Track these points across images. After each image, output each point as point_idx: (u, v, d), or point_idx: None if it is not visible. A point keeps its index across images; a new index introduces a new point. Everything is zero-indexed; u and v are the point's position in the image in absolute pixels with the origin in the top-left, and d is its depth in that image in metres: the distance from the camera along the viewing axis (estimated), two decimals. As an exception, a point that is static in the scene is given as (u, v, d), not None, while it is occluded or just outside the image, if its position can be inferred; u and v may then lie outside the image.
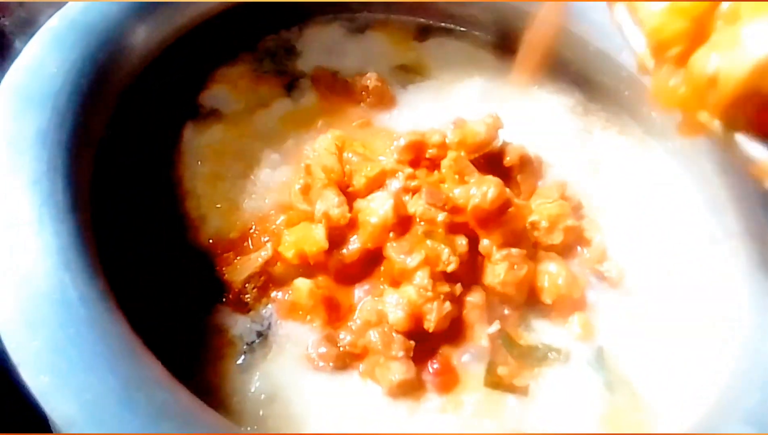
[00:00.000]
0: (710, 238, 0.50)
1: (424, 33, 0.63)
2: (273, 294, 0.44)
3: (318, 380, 0.41)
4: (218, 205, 0.48)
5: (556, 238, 0.49)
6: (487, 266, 0.45)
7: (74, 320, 0.33)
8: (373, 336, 0.42)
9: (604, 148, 0.57)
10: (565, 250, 0.50)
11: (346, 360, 0.42)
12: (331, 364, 0.42)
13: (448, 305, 0.42)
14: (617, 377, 0.44)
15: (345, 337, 0.43)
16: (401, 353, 0.41)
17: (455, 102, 0.58)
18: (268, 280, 0.45)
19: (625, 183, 0.55)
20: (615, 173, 0.55)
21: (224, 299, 0.44)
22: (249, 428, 0.38)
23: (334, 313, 0.43)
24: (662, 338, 0.45)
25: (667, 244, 0.50)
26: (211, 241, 0.46)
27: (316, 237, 0.44)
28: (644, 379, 0.43)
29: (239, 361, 0.42)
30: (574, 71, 0.60)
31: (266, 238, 0.46)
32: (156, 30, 0.50)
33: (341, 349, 0.42)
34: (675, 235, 0.51)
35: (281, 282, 0.45)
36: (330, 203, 0.45)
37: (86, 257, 0.36)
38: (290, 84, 0.57)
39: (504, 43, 0.62)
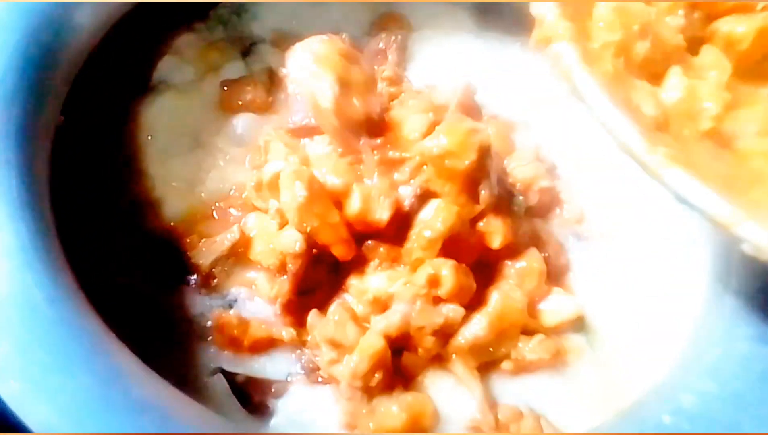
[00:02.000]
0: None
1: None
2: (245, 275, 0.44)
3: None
4: (174, 184, 0.47)
5: (531, 200, 0.49)
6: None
7: (41, 321, 0.32)
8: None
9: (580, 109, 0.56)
10: (542, 212, 0.50)
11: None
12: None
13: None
14: (598, 336, 0.44)
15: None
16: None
17: (430, 63, 0.57)
18: (237, 261, 0.44)
19: (600, 142, 0.54)
20: (590, 133, 0.54)
21: (192, 283, 0.44)
22: (228, 413, 0.38)
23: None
24: (635, 295, 0.46)
25: (639, 202, 0.50)
26: (172, 223, 0.45)
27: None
28: (620, 336, 0.44)
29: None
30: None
31: (233, 217, 0.45)
32: (104, 4, 0.47)
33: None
34: (645, 194, 0.50)
35: (252, 263, 0.44)
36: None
37: (49, 254, 0.35)
38: (246, 50, 0.55)
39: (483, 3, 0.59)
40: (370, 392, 0.39)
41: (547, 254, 0.47)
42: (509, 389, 0.42)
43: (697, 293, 0.42)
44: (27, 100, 0.40)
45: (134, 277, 0.43)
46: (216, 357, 0.42)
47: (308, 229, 0.40)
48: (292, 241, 0.40)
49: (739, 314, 0.37)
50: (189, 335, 0.42)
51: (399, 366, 0.40)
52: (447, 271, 0.40)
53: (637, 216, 0.50)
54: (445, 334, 0.41)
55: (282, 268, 0.41)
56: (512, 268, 0.44)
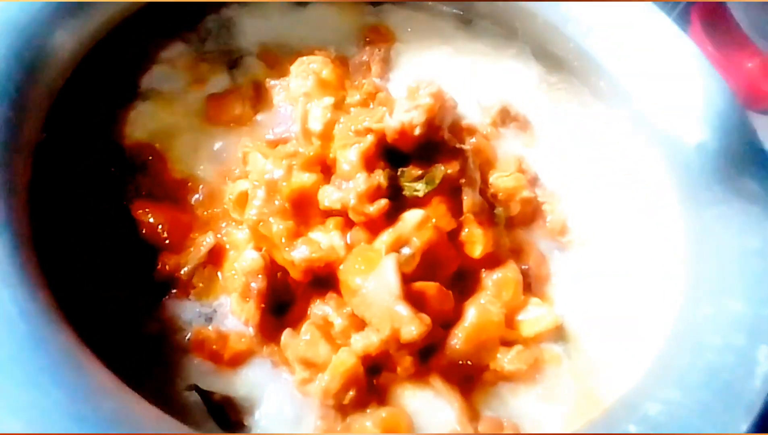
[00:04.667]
0: (657, 205, 0.50)
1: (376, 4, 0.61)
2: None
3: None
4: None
5: (513, 210, 0.49)
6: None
7: (15, 337, 0.33)
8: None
9: (565, 122, 0.57)
10: (524, 222, 0.50)
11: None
12: None
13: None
14: (575, 345, 0.45)
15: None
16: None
17: (413, 74, 0.57)
18: (214, 269, 0.44)
19: (583, 155, 0.55)
20: (574, 146, 0.55)
21: (173, 294, 0.44)
22: (207, 429, 0.38)
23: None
24: (612, 306, 0.46)
25: (620, 215, 0.51)
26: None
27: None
28: (596, 345, 0.44)
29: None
30: (527, 43, 0.59)
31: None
32: (86, 25, 0.48)
33: None
34: (627, 207, 0.52)
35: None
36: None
37: (26, 270, 0.36)
38: (233, 62, 0.55)
39: (465, 14, 0.60)
40: (343, 410, 0.39)
41: (527, 266, 0.47)
42: (487, 400, 0.42)
43: (670, 305, 0.42)
44: (8, 118, 0.40)
45: (115, 290, 0.43)
46: (196, 370, 0.41)
47: (263, 249, 0.41)
48: (250, 259, 0.41)
49: (707, 325, 0.37)
50: (169, 348, 0.42)
51: (374, 383, 0.40)
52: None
53: (617, 228, 0.50)
54: (424, 352, 0.41)
55: (247, 291, 0.41)
56: (489, 279, 0.44)
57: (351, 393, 0.38)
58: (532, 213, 0.51)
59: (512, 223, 0.49)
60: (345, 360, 0.38)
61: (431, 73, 0.56)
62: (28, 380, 0.31)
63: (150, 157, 0.48)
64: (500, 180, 0.50)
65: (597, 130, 0.56)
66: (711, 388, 0.34)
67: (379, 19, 0.60)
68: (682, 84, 0.50)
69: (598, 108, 0.57)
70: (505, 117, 0.56)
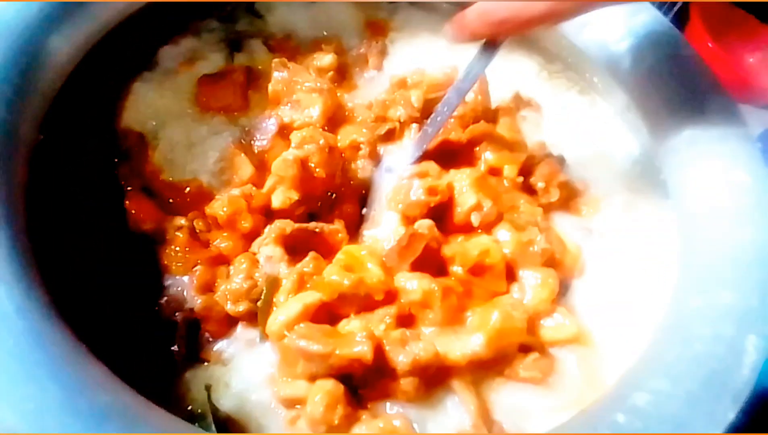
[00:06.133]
0: (647, 197, 0.50)
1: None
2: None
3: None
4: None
5: (554, 196, 0.49)
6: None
7: (12, 332, 0.33)
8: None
9: (566, 109, 0.57)
10: (563, 207, 0.50)
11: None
12: None
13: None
14: (581, 327, 0.44)
15: None
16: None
17: (411, 66, 0.57)
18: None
19: (582, 145, 0.55)
20: (570, 132, 0.55)
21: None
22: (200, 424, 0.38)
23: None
24: (604, 296, 0.46)
25: (609, 208, 0.51)
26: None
27: None
28: (598, 328, 0.44)
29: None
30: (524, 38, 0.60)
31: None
32: (84, 27, 0.48)
33: None
34: (614, 200, 0.51)
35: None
36: None
37: (22, 267, 0.36)
38: (233, 43, 0.56)
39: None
40: (339, 429, 0.38)
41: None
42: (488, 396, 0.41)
43: (660, 296, 0.42)
44: (4, 119, 0.41)
45: (111, 285, 0.43)
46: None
47: None
48: None
49: (697, 316, 0.37)
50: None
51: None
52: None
53: (609, 222, 0.50)
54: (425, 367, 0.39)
55: None
56: (526, 280, 0.44)
57: (340, 409, 0.37)
58: (567, 197, 0.50)
59: (550, 209, 0.49)
60: (324, 386, 0.38)
61: (430, 65, 0.56)
62: (25, 375, 0.32)
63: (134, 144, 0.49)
64: (540, 167, 0.49)
65: (595, 121, 0.57)
66: (699, 377, 0.34)
67: (382, 13, 0.61)
68: (675, 80, 0.50)
69: (595, 99, 0.57)
70: (519, 102, 0.56)
